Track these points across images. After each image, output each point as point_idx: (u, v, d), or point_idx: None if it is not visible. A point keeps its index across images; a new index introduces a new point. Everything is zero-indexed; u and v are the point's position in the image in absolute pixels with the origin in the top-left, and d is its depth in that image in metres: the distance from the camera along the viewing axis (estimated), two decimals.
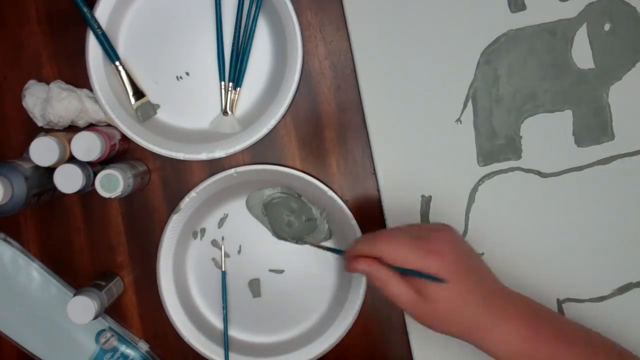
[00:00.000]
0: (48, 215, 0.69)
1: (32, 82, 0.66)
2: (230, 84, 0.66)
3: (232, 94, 0.67)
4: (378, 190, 0.67)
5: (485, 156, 0.65)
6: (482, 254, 0.66)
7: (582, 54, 0.64)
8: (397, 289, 0.51)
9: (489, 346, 0.51)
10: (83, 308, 0.61)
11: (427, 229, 0.53)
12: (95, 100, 0.65)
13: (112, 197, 0.61)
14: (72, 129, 0.66)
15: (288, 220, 0.68)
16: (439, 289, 0.50)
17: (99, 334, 0.68)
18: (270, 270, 0.68)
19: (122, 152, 0.67)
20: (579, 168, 0.65)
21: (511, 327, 0.51)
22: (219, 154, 0.65)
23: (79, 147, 0.60)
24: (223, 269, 0.68)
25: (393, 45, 0.66)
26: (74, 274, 0.69)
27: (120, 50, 0.67)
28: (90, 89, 0.65)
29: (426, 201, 0.66)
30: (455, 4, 0.65)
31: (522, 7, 0.65)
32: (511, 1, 0.65)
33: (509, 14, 0.65)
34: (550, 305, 0.61)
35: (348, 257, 0.54)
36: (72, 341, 0.68)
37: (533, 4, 0.64)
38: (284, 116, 0.65)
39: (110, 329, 0.68)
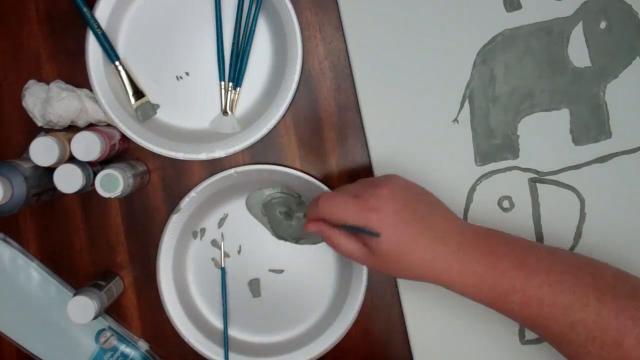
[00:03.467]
0: (48, 215, 0.69)
1: (32, 82, 0.66)
2: (230, 84, 0.67)
3: (232, 94, 0.67)
4: None
5: (483, 156, 0.66)
6: None
7: (578, 53, 0.65)
8: (347, 246, 0.54)
9: (449, 286, 0.52)
10: (83, 308, 0.61)
11: (367, 185, 0.53)
12: (95, 100, 0.65)
13: (112, 197, 0.61)
14: (72, 129, 0.66)
15: (288, 220, 0.68)
16: (379, 242, 0.51)
17: (99, 333, 0.68)
18: (270, 270, 0.68)
19: (122, 152, 0.67)
20: (577, 166, 0.65)
21: (463, 264, 0.51)
22: (218, 154, 0.65)
23: (79, 147, 0.60)
24: (222, 266, 0.68)
25: (389, 45, 0.66)
26: (74, 274, 0.69)
27: (120, 50, 0.67)
28: (90, 89, 0.65)
29: None
30: (451, 4, 0.65)
31: (518, 6, 0.65)
32: (507, 0, 0.65)
33: (504, 13, 0.65)
34: None
35: (306, 220, 0.56)
36: (72, 341, 0.67)
37: (529, 3, 0.65)
38: (283, 116, 0.66)
39: (110, 328, 0.68)
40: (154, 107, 0.67)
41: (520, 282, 0.50)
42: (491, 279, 0.51)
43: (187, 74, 0.67)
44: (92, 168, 0.63)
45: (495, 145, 0.66)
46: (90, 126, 0.67)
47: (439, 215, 0.54)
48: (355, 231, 0.52)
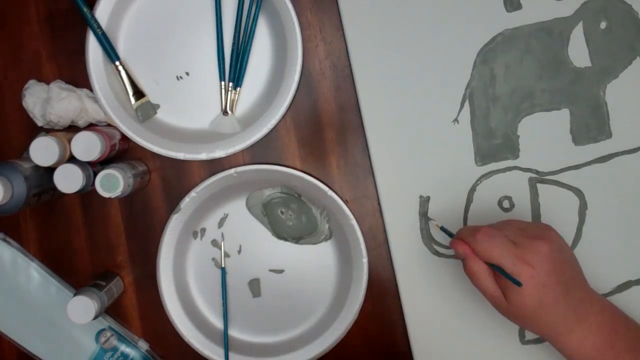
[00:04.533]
0: (48, 215, 0.69)
1: (32, 82, 0.66)
2: (230, 84, 0.67)
3: (232, 94, 0.67)
4: (376, 191, 0.67)
5: (483, 156, 0.66)
6: None
7: (578, 53, 0.65)
8: (485, 283, 0.54)
9: (562, 348, 0.54)
10: (83, 308, 0.61)
11: (527, 234, 0.54)
12: (95, 100, 0.65)
13: (112, 197, 0.61)
14: (72, 129, 0.66)
15: (288, 220, 0.68)
16: (521, 296, 0.52)
17: (99, 333, 0.68)
18: (270, 270, 0.68)
19: (122, 152, 0.67)
20: (577, 166, 0.65)
21: (585, 335, 0.53)
22: (219, 154, 0.65)
23: (79, 147, 0.60)
24: (222, 266, 0.68)
25: (389, 46, 0.66)
26: (74, 274, 0.69)
27: (120, 50, 0.67)
28: (90, 89, 0.65)
29: (424, 201, 0.66)
30: (451, 4, 0.66)
31: (518, 6, 0.65)
32: (507, 0, 0.65)
33: (505, 13, 0.65)
34: None
35: (454, 239, 0.57)
36: (72, 341, 0.68)
37: (529, 3, 0.65)
38: (284, 116, 0.66)
39: (110, 328, 0.68)
40: (154, 107, 0.67)
41: None
42: (606, 355, 0.53)
43: (187, 74, 0.67)
44: (92, 168, 0.63)
45: (495, 145, 0.66)
46: (90, 126, 0.67)
47: (578, 281, 0.56)
48: (499, 271, 0.53)
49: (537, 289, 0.52)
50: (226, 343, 0.67)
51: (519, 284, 0.51)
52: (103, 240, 0.69)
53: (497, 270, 0.53)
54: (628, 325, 0.56)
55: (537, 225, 0.56)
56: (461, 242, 0.55)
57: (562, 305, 0.53)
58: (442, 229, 0.61)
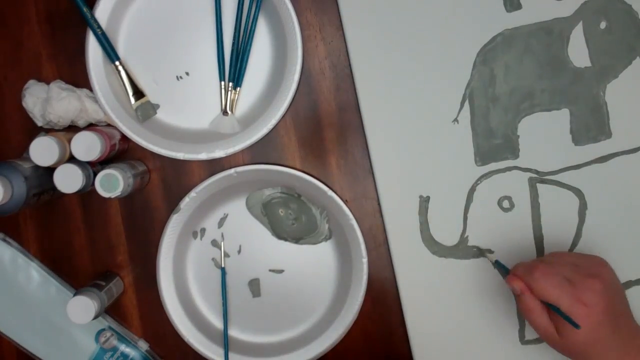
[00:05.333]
0: (48, 215, 0.69)
1: (32, 82, 0.66)
2: (230, 83, 0.67)
3: (232, 94, 0.67)
4: (376, 191, 0.67)
5: (483, 156, 0.66)
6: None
7: (578, 53, 0.65)
8: (539, 321, 0.55)
9: None
10: (83, 308, 0.61)
11: (581, 273, 0.55)
12: (95, 100, 0.65)
13: (112, 197, 0.61)
14: (72, 129, 0.66)
15: (288, 220, 0.68)
16: (575, 334, 0.53)
17: (99, 333, 0.68)
18: (270, 270, 0.68)
19: (122, 152, 0.67)
20: (577, 166, 0.65)
21: None
22: (218, 154, 0.65)
23: (79, 147, 0.60)
24: (222, 265, 0.68)
25: (389, 46, 0.66)
26: (74, 274, 0.69)
27: (120, 50, 0.67)
28: (90, 89, 0.65)
29: (424, 201, 0.66)
30: (450, 4, 0.66)
31: (518, 6, 0.65)
32: (507, 0, 0.65)
33: (504, 13, 0.65)
34: None
35: (510, 274, 0.57)
36: (72, 341, 0.68)
37: (529, 3, 0.65)
38: (283, 116, 0.66)
39: (110, 328, 0.68)
40: (154, 107, 0.67)
41: None
42: None
43: (187, 74, 0.67)
44: (92, 168, 0.63)
45: (495, 145, 0.66)
46: (90, 126, 0.67)
47: (626, 316, 0.56)
48: (557, 311, 0.54)
49: (592, 326, 0.53)
50: (226, 343, 0.67)
51: (576, 326, 0.52)
52: (103, 240, 0.69)
53: (554, 310, 0.54)
54: None
55: (592, 260, 0.57)
56: (517, 279, 0.56)
57: (613, 341, 0.54)
58: (497, 263, 0.61)
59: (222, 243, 0.68)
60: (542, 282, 0.54)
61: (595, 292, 0.53)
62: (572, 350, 0.54)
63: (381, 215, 0.67)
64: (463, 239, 0.66)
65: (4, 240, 0.68)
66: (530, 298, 0.55)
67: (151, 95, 0.67)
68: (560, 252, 0.59)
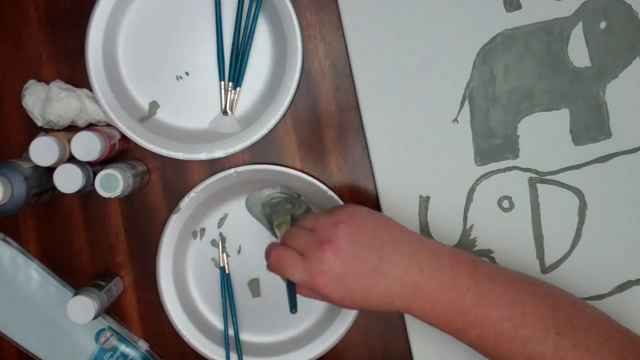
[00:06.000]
0: (48, 215, 0.69)
1: (32, 82, 0.66)
2: (230, 83, 0.67)
3: (232, 94, 0.67)
4: (376, 191, 0.67)
5: (483, 156, 0.66)
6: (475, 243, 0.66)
7: (578, 53, 0.65)
8: (312, 295, 0.54)
9: (409, 314, 0.53)
10: (83, 308, 0.61)
11: (314, 240, 0.52)
12: (95, 100, 0.65)
13: (112, 197, 0.61)
14: (72, 129, 0.66)
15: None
16: (332, 301, 0.52)
17: (99, 333, 0.68)
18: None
19: (121, 152, 0.67)
20: (577, 166, 0.65)
21: (423, 303, 0.51)
22: (218, 153, 0.65)
23: (78, 147, 0.60)
24: (222, 265, 0.68)
25: (389, 46, 0.66)
26: (74, 274, 0.69)
27: (120, 50, 0.67)
28: (90, 89, 0.65)
29: (424, 201, 0.66)
30: (450, 4, 0.65)
31: (518, 6, 0.65)
32: (507, 0, 0.65)
33: (504, 13, 0.65)
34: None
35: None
36: (72, 341, 0.67)
37: (529, 3, 0.65)
38: (283, 116, 0.66)
39: (110, 328, 0.68)
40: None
41: (480, 318, 0.50)
42: (451, 317, 0.51)
43: (187, 74, 0.67)
44: (92, 168, 0.63)
45: (495, 145, 0.66)
46: (90, 126, 0.67)
47: (394, 251, 0.52)
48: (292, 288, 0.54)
49: (339, 290, 0.51)
50: (226, 342, 0.67)
51: (293, 309, 0.53)
52: (103, 240, 0.69)
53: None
54: (472, 275, 0.52)
55: (330, 219, 0.53)
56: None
57: (381, 287, 0.51)
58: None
59: (220, 242, 0.68)
60: (276, 266, 0.53)
61: (325, 261, 0.51)
62: (335, 301, 0.52)
63: None
64: (463, 239, 0.66)
65: (4, 240, 0.68)
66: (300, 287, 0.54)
67: (151, 95, 0.67)
68: (311, 214, 0.56)
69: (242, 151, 0.67)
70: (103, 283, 0.65)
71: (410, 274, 0.51)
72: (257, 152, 0.68)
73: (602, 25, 0.65)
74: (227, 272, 0.68)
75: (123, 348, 0.68)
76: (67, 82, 0.67)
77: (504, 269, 0.54)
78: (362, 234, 0.52)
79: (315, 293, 0.52)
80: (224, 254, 0.68)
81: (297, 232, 0.55)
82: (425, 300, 0.51)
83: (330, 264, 0.51)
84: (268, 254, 0.54)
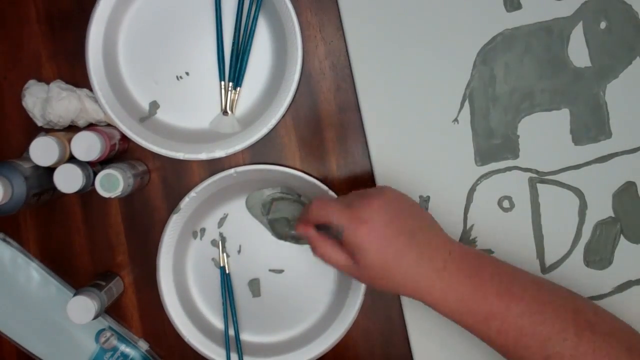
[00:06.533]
0: (48, 215, 0.69)
1: (32, 82, 0.66)
2: (230, 83, 0.67)
3: (232, 94, 0.67)
4: None
5: (483, 156, 0.66)
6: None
7: (578, 53, 0.65)
8: (332, 255, 0.54)
9: (430, 302, 0.52)
10: (83, 308, 0.61)
11: (360, 196, 0.54)
12: (95, 100, 0.65)
13: (112, 197, 0.61)
14: (72, 128, 0.66)
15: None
16: (366, 255, 0.51)
17: (99, 333, 0.68)
18: (270, 270, 0.68)
19: (122, 152, 0.67)
20: (577, 166, 0.65)
21: (447, 285, 0.51)
22: (218, 153, 0.65)
23: (79, 147, 0.60)
24: (222, 265, 0.68)
25: (389, 45, 0.66)
26: (74, 274, 0.69)
27: (120, 50, 0.67)
28: (90, 89, 0.65)
29: (424, 201, 0.66)
30: (450, 4, 0.65)
31: (518, 6, 0.65)
32: (507, 0, 0.65)
33: (504, 13, 0.65)
34: None
35: (297, 224, 0.57)
36: (72, 341, 0.68)
37: (529, 3, 0.65)
38: (284, 116, 0.66)
39: (110, 328, 0.68)
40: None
41: (501, 309, 0.50)
42: (473, 303, 0.51)
43: (187, 74, 0.67)
44: (92, 168, 0.63)
45: (495, 145, 0.66)
46: (90, 126, 0.67)
47: (428, 231, 0.54)
48: (327, 231, 0.53)
49: (379, 243, 0.51)
50: (227, 341, 0.67)
51: (339, 235, 0.52)
52: (103, 240, 0.69)
53: (326, 233, 0.53)
54: (496, 268, 0.53)
55: (373, 188, 0.55)
56: (301, 225, 0.55)
57: (410, 257, 0.51)
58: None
59: (221, 243, 0.68)
60: (319, 210, 0.53)
61: (372, 208, 0.51)
62: (372, 275, 0.52)
63: None
64: (463, 239, 0.66)
65: (4, 240, 0.68)
66: (315, 235, 0.55)
67: (151, 95, 0.67)
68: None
69: (242, 151, 0.67)
70: (103, 283, 0.65)
71: (439, 252, 0.52)
72: (257, 152, 0.68)
73: (602, 25, 0.65)
74: (227, 272, 0.68)
75: (123, 348, 0.68)
76: (67, 82, 0.67)
77: (526, 272, 0.55)
78: (402, 202, 0.54)
79: (349, 248, 0.52)
80: (224, 254, 0.68)
81: (340, 196, 0.56)
82: (449, 283, 0.51)
83: (377, 213, 0.51)
84: (309, 203, 0.55)
